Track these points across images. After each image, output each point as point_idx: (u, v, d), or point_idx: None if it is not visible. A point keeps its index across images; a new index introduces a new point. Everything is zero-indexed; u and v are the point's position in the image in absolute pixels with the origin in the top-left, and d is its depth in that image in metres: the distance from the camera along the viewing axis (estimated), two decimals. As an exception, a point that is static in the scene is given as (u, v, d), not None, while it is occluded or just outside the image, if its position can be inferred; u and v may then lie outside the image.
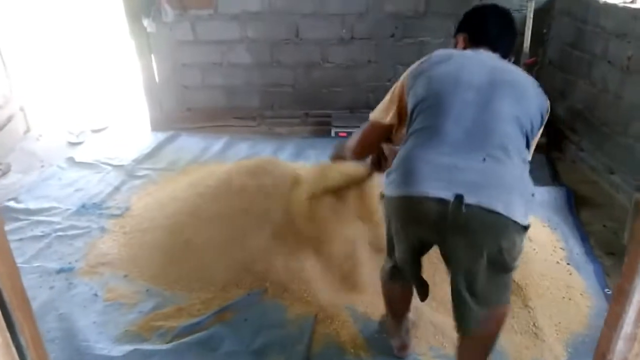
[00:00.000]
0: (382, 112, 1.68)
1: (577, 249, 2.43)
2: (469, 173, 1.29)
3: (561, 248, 2.44)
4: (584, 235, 2.56)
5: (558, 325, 1.97)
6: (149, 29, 3.58)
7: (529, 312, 2.00)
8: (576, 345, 1.88)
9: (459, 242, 1.32)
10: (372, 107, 4.10)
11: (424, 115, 1.42)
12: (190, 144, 3.70)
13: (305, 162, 3.21)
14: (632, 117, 2.82)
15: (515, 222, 1.27)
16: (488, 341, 1.48)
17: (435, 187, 1.28)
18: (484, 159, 1.30)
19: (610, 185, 2.99)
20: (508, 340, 1.86)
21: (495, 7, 1.68)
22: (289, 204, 2.26)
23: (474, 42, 1.62)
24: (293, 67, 3.85)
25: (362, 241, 2.21)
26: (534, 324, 1.95)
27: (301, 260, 2.19)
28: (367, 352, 1.83)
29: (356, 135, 1.85)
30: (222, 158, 3.47)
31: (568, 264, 2.32)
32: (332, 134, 3.75)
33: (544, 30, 3.79)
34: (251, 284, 2.15)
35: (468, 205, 1.24)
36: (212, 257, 2.27)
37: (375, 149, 1.80)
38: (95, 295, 2.14)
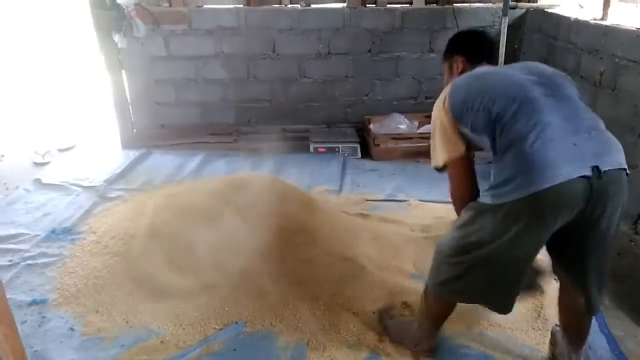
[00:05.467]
0: (450, 149, 1.60)
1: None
2: (588, 147, 1.40)
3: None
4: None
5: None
6: (119, 45, 3.47)
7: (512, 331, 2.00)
8: None
9: (601, 212, 1.42)
10: (349, 122, 4.10)
11: (516, 121, 1.44)
12: (164, 162, 3.58)
13: (286, 179, 3.15)
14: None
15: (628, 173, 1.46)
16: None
17: (574, 169, 1.36)
18: (590, 133, 1.43)
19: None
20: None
21: (480, 31, 1.94)
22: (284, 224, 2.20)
23: (472, 61, 1.76)
24: (270, 82, 3.81)
25: (356, 264, 2.17)
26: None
27: (291, 284, 2.13)
28: (364, 380, 1.78)
29: (452, 187, 1.70)
30: (199, 176, 3.38)
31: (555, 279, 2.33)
32: (311, 149, 3.71)
33: (516, 46, 3.88)
34: (238, 312, 2.06)
35: (605, 172, 1.37)
36: (195, 284, 2.18)
37: (473, 179, 1.65)
38: (72, 329, 2.00)
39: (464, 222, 1.55)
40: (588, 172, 1.35)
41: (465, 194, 1.62)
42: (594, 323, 2.03)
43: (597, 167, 1.36)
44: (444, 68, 1.88)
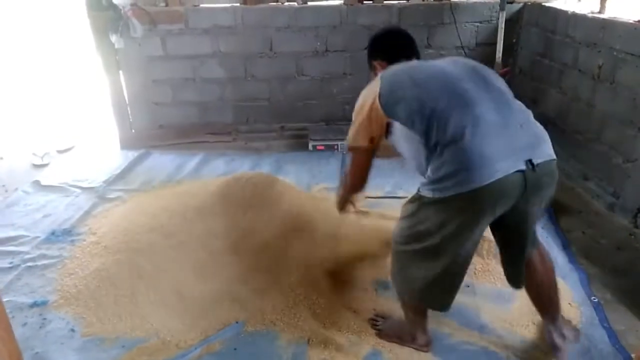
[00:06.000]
0: (360, 137, 1.72)
1: (561, 257, 2.45)
2: (521, 140, 1.47)
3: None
4: (566, 242, 2.59)
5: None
6: (116, 45, 3.46)
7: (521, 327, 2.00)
8: (572, 357, 1.87)
9: (535, 200, 1.52)
10: (348, 119, 4.09)
11: (450, 115, 1.47)
12: (163, 162, 3.58)
13: (285, 177, 3.15)
14: (604, 124, 2.88)
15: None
16: (551, 278, 1.78)
17: (510, 164, 1.43)
18: (521, 126, 1.50)
19: (585, 191, 3.04)
20: None
21: (392, 29, 1.96)
22: (279, 226, 2.20)
23: (391, 62, 1.75)
24: (268, 80, 3.80)
25: (356, 262, 2.17)
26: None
27: (290, 283, 2.13)
28: (364, 377, 1.78)
29: (348, 172, 1.89)
30: (198, 175, 3.38)
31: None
32: (310, 147, 3.71)
33: (513, 40, 3.87)
34: (239, 311, 2.06)
35: (537, 165, 1.45)
36: (195, 283, 2.18)
37: (369, 171, 1.83)
38: (72, 330, 2.00)
39: (409, 213, 1.63)
40: (523, 167, 1.44)
41: (356, 181, 1.80)
42: (594, 317, 2.04)
43: (530, 160, 1.44)
44: (371, 76, 1.90)
